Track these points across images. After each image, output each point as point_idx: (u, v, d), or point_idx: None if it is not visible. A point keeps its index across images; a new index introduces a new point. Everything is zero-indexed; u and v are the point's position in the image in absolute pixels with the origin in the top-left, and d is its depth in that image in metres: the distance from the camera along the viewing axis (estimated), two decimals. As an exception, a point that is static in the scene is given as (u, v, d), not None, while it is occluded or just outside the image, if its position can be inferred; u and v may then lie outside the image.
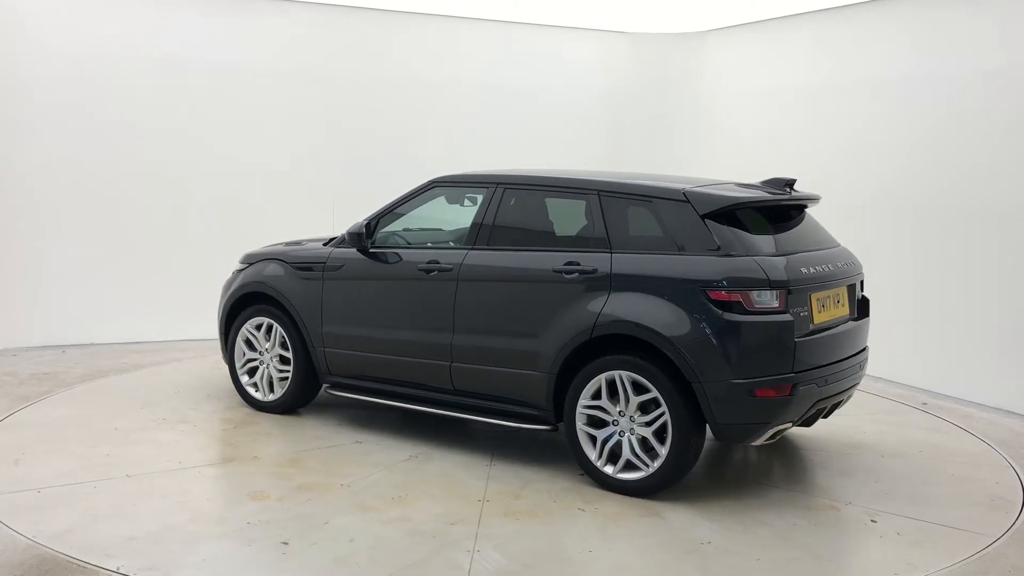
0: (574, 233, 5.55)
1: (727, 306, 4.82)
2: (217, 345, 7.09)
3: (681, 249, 5.04)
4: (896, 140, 8.07)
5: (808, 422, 5.44)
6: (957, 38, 7.59)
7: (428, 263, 5.84)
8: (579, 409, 5.23)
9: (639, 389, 5.04)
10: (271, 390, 6.61)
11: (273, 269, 6.58)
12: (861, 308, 5.67)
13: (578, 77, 10.36)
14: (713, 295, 4.83)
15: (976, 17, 7.44)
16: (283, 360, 6.55)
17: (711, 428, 4.97)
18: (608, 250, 5.25)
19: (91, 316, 8.66)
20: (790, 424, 5.04)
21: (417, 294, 5.89)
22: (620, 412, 5.11)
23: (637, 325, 5.01)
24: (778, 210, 5.45)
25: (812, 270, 5.10)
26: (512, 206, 5.74)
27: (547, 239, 5.63)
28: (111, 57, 8.56)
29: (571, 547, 4.48)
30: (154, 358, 8.19)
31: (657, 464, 5.01)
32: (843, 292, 5.41)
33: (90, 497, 4.99)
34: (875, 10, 8.27)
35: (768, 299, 4.83)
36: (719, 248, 4.93)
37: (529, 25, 10.08)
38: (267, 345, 6.61)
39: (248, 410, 6.66)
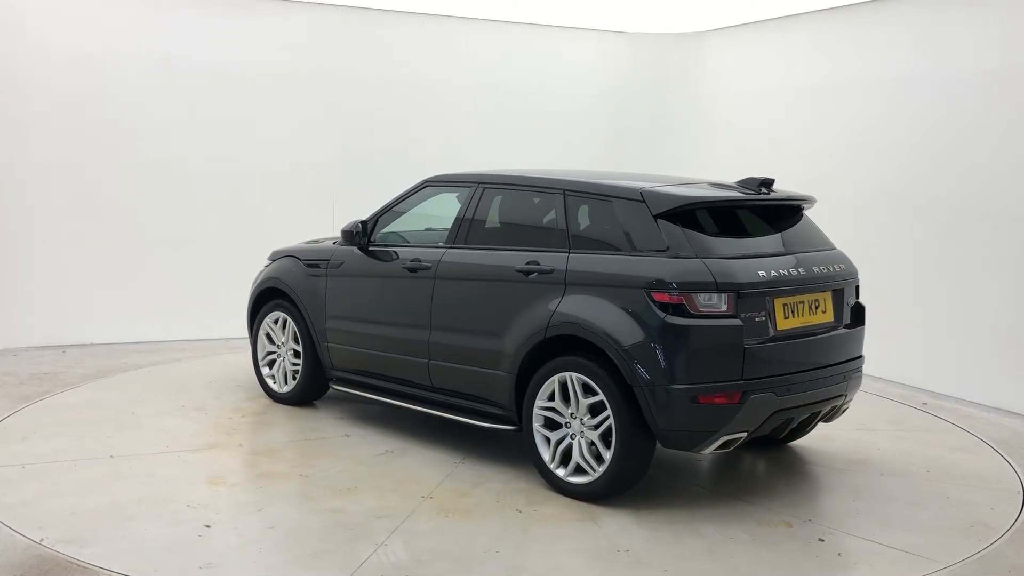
0: (540, 233, 5.51)
1: (671, 308, 4.67)
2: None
3: (634, 249, 4.94)
4: (896, 140, 8.06)
5: (777, 433, 5.23)
6: (957, 38, 7.57)
7: (412, 261, 5.94)
8: (535, 410, 5.17)
9: (589, 392, 4.95)
10: (286, 382, 6.82)
11: (288, 266, 6.81)
12: (855, 315, 5.45)
13: (578, 77, 10.35)
14: (657, 297, 4.70)
15: (976, 17, 7.42)
16: (296, 354, 6.75)
17: (655, 434, 4.81)
18: (567, 250, 5.21)
19: (91, 316, 8.68)
20: (745, 434, 4.82)
21: (402, 292, 6.00)
22: (572, 414, 5.05)
23: (583, 326, 4.94)
24: (752, 211, 5.33)
25: (775, 273, 4.89)
26: (489, 205, 5.78)
27: (516, 238, 5.60)
28: (111, 57, 8.57)
29: (480, 547, 4.44)
30: (154, 358, 8.21)
31: (602, 469, 4.91)
32: (825, 298, 5.20)
33: (63, 474, 5.29)
34: (875, 10, 8.25)
35: (716, 302, 4.67)
36: (668, 249, 4.80)
37: (528, 25, 10.07)
38: (283, 339, 6.82)
39: (267, 401, 6.89)
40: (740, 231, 5.20)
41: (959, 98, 7.52)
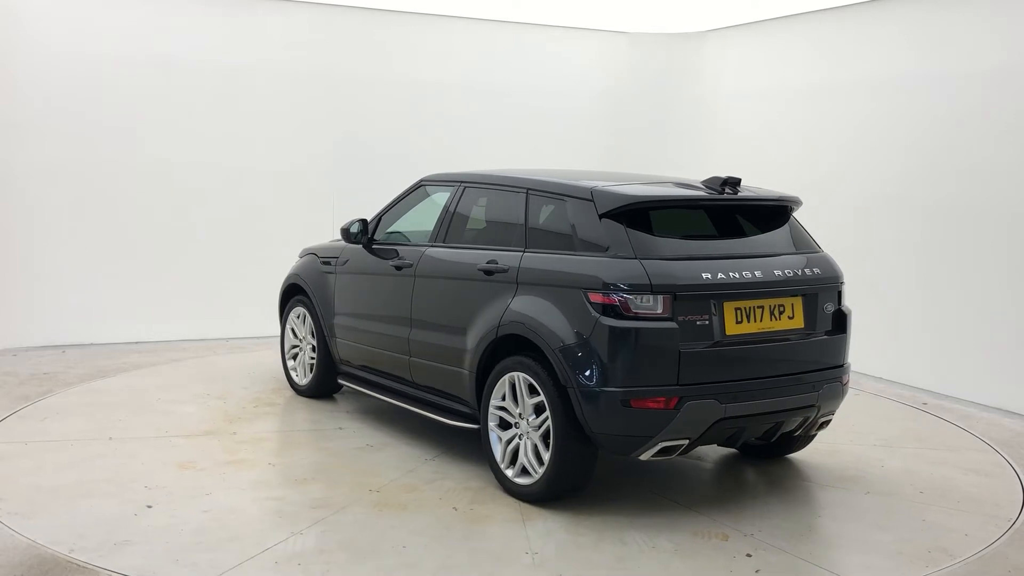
0: (504, 231, 5.47)
1: (605, 309, 4.56)
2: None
3: (578, 249, 4.85)
4: (896, 140, 8.04)
5: (733, 442, 5.02)
6: (957, 38, 7.56)
7: (398, 259, 6.03)
8: (491, 409, 5.14)
9: (534, 392, 4.89)
10: (305, 375, 7.06)
11: (309, 263, 7.03)
12: (836, 322, 5.16)
13: (578, 77, 10.33)
14: (593, 297, 4.60)
15: (976, 17, 7.40)
16: (315, 348, 6.94)
17: (590, 437, 4.70)
18: (523, 249, 5.18)
19: (91, 316, 8.70)
20: (686, 441, 4.64)
21: (390, 290, 6.08)
22: (520, 415, 5.00)
23: (527, 325, 4.89)
24: (719, 211, 5.18)
25: (723, 276, 4.69)
26: (466, 205, 5.80)
27: (485, 237, 5.60)
28: (111, 57, 8.59)
29: (391, 541, 4.44)
30: (153, 358, 8.22)
31: (542, 471, 4.84)
32: (794, 303, 4.96)
33: (55, 452, 5.59)
34: (875, 10, 8.24)
35: (650, 304, 4.53)
36: (608, 248, 4.71)
37: (529, 25, 10.07)
38: (303, 333, 7.04)
39: (291, 393, 7.13)
40: (697, 232, 5.04)
41: (959, 98, 7.50)
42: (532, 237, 5.19)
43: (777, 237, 5.17)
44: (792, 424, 5.05)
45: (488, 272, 5.28)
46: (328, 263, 6.76)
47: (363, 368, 6.46)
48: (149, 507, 4.78)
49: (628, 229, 4.73)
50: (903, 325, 7.95)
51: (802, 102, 8.93)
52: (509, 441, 5.07)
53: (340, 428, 6.29)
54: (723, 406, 4.62)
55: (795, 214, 5.42)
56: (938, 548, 4.57)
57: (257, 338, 9.13)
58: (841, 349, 5.17)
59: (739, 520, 4.83)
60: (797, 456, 5.85)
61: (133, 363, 8.01)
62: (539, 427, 4.87)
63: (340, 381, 6.70)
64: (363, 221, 6.42)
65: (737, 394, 4.67)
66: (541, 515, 4.81)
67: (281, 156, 9.33)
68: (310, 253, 7.10)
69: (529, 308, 4.93)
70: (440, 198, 6.14)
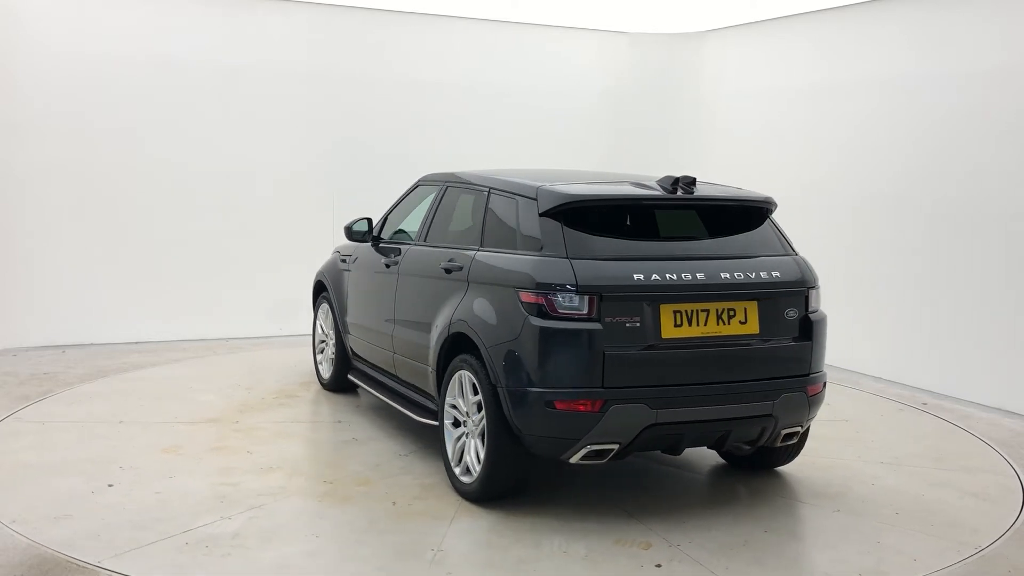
0: (467, 231, 5.47)
1: (534, 309, 4.50)
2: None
3: (521, 247, 4.80)
4: (896, 140, 8.03)
5: (675, 450, 4.84)
6: (957, 38, 7.54)
7: (388, 258, 6.14)
8: (445, 407, 5.13)
9: (477, 391, 4.85)
10: (329, 369, 7.20)
11: (332, 261, 7.23)
12: (802, 329, 4.87)
13: (578, 77, 10.33)
14: (523, 297, 4.55)
15: (976, 17, 7.39)
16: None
17: (519, 437, 4.61)
18: (477, 248, 5.16)
19: (91, 316, 8.72)
20: (616, 446, 4.49)
21: (382, 288, 6.18)
22: (467, 413, 4.97)
23: (468, 324, 4.89)
24: (670, 211, 5.07)
25: (659, 277, 4.52)
26: (446, 205, 5.83)
27: (452, 236, 5.62)
28: (111, 57, 8.61)
29: (309, 531, 4.48)
30: (153, 358, 8.24)
31: (479, 470, 4.79)
32: (748, 307, 4.71)
33: (61, 432, 5.90)
34: (875, 10, 8.22)
35: (576, 304, 4.43)
36: (543, 247, 4.64)
37: (529, 25, 10.07)
38: (328, 330, 7.22)
39: (317, 387, 7.33)
40: (642, 232, 4.91)
41: (959, 98, 7.47)
42: (486, 236, 5.17)
43: (739, 239, 4.96)
44: (751, 434, 4.81)
45: (448, 271, 5.30)
46: (344, 261, 6.90)
47: (369, 364, 6.57)
48: (110, 486, 4.94)
49: (565, 228, 4.64)
50: (903, 325, 7.93)
51: (802, 102, 8.92)
52: (458, 439, 5.06)
53: (339, 422, 6.36)
54: (654, 411, 4.46)
55: (776, 215, 5.21)
56: (873, 571, 4.25)
57: (257, 338, 9.14)
58: (806, 357, 4.87)
59: (674, 530, 4.62)
60: (788, 469, 5.55)
61: (133, 363, 8.03)
62: (478, 426, 4.84)
63: (349, 377, 6.77)
64: (368, 220, 6.50)
65: (672, 399, 4.51)
66: (474, 514, 4.76)
67: (281, 156, 9.35)
68: (336, 251, 7.25)
69: (474, 307, 4.93)
70: (432, 198, 6.20)
